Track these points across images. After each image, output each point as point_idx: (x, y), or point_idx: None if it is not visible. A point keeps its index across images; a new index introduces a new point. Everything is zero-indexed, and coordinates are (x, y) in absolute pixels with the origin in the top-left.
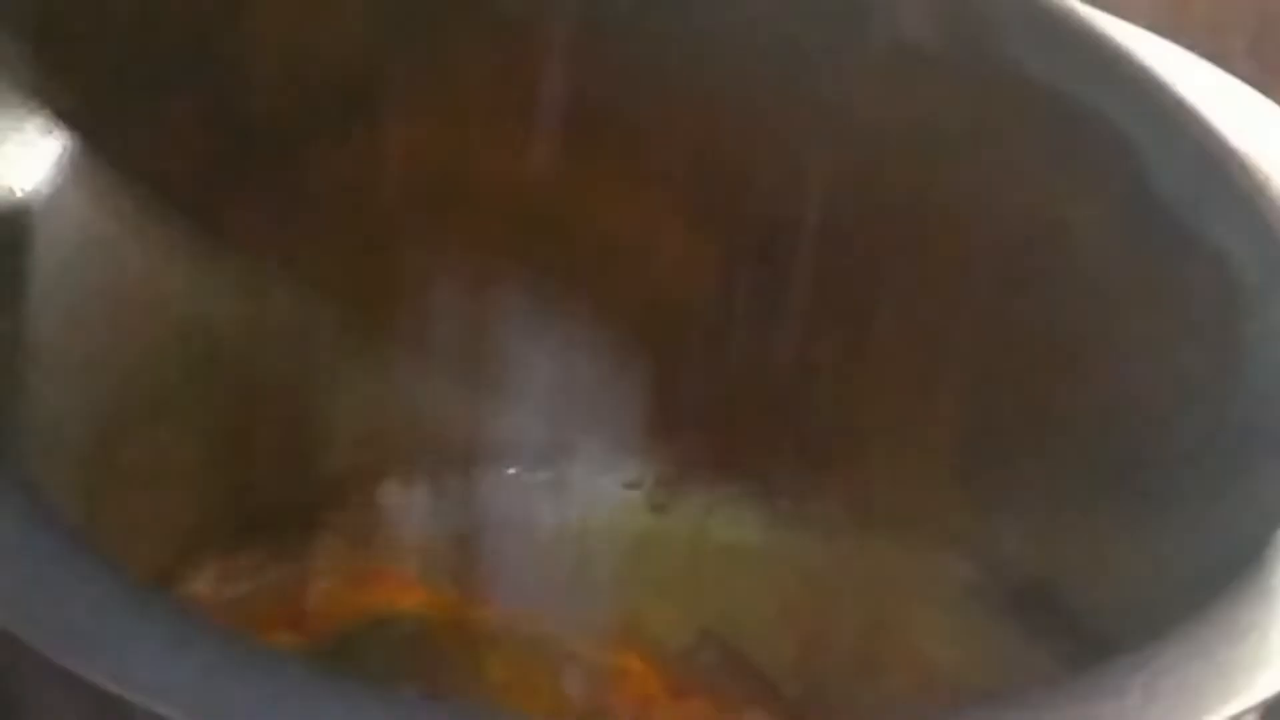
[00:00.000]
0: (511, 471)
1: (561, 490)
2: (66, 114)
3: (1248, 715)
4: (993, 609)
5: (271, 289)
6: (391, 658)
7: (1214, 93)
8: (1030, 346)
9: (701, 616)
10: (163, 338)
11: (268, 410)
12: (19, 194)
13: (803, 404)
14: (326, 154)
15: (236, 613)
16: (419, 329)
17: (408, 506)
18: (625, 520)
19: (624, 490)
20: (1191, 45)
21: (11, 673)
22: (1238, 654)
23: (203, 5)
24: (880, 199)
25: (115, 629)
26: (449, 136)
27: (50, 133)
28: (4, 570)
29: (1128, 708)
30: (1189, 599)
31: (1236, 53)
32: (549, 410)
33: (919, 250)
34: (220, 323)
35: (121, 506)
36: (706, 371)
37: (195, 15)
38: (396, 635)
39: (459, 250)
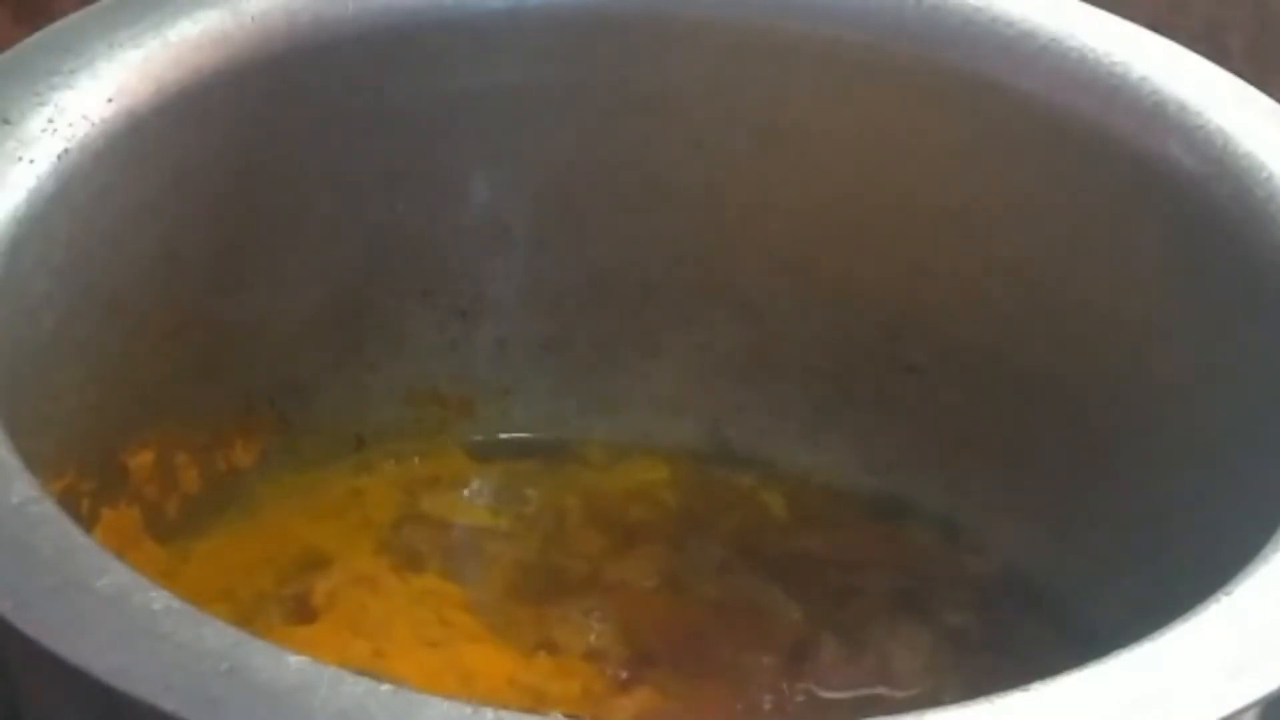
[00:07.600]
0: None
1: None
2: None
3: (1248, 712)
4: (995, 606)
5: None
6: None
7: (1214, 91)
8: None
9: None
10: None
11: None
12: (19, 193)
13: None
14: None
15: None
16: None
17: None
18: None
19: None
20: (1191, 45)
21: (14, 667)
22: (1238, 651)
23: None
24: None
25: (117, 624)
26: None
27: (50, 132)
28: (7, 564)
29: (1128, 707)
30: (1189, 599)
31: (1236, 52)
32: None
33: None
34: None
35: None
36: None
37: None
38: None
39: None
